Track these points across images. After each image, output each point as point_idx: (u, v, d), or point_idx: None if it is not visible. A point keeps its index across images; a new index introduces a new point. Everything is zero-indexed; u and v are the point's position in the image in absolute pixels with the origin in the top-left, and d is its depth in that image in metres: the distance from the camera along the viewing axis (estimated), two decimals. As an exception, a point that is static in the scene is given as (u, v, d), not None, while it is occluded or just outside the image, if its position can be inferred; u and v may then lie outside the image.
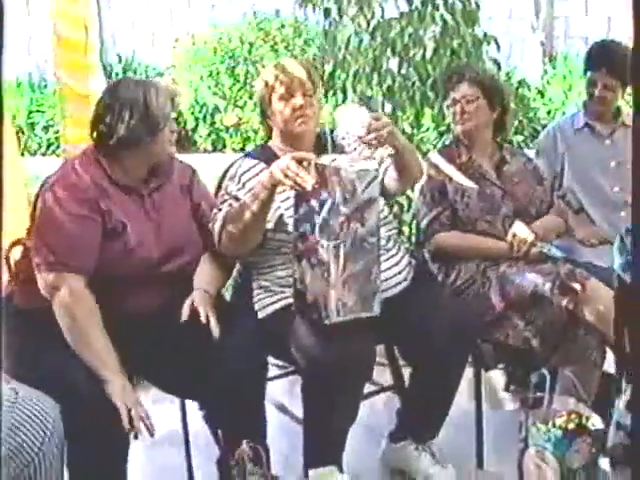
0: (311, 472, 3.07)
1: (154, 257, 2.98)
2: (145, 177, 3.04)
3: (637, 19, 1.94)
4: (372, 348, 3.10)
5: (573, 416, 2.89)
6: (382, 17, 4.50)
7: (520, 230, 3.51)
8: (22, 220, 3.44)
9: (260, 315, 3.19)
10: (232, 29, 10.77)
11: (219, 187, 3.32)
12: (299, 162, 2.84)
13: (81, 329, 2.82)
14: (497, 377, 4.12)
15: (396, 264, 3.25)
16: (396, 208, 4.41)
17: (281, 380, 3.63)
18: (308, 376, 3.03)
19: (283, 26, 10.46)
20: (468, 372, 3.36)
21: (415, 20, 4.44)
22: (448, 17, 4.44)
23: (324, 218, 2.81)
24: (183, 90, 9.19)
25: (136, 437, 2.78)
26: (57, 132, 9.63)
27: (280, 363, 3.41)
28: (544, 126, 8.03)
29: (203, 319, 2.93)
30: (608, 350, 3.37)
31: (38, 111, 11.26)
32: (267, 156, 3.20)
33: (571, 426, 2.85)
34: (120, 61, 11.96)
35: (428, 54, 4.42)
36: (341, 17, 4.50)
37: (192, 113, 10.62)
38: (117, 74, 11.46)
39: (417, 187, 3.70)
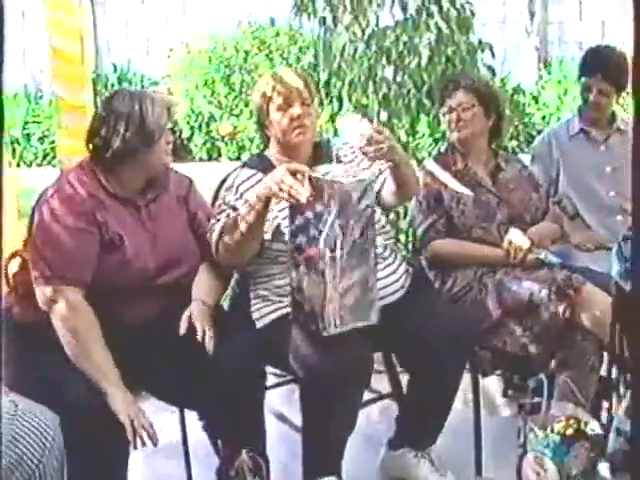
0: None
1: (151, 268, 2.98)
2: (141, 188, 3.04)
3: (638, 25, 1.95)
4: (370, 356, 3.10)
5: (571, 421, 2.89)
6: (377, 25, 4.50)
7: (516, 237, 3.52)
8: (12, 231, 3.43)
9: (258, 324, 3.20)
10: (227, 38, 10.77)
11: (216, 197, 3.33)
12: (293, 174, 2.84)
13: (80, 341, 2.82)
14: (495, 383, 4.12)
15: (393, 272, 3.26)
16: (392, 216, 4.41)
17: (279, 389, 3.63)
18: (306, 385, 3.03)
19: (278, 34, 10.47)
20: (466, 378, 3.37)
21: (410, 28, 4.44)
22: (443, 25, 4.44)
23: (320, 230, 2.81)
24: (178, 99, 9.19)
25: (135, 447, 2.78)
26: (53, 143, 9.64)
27: (278, 372, 3.41)
28: (539, 131, 8.06)
29: (199, 337, 2.94)
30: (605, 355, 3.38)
31: (34, 122, 11.26)
32: (264, 166, 3.21)
33: (569, 431, 2.86)
34: (115, 70, 11.96)
35: (423, 62, 4.42)
36: (336, 25, 4.51)
37: (187, 122, 10.62)
38: (112, 84, 11.47)
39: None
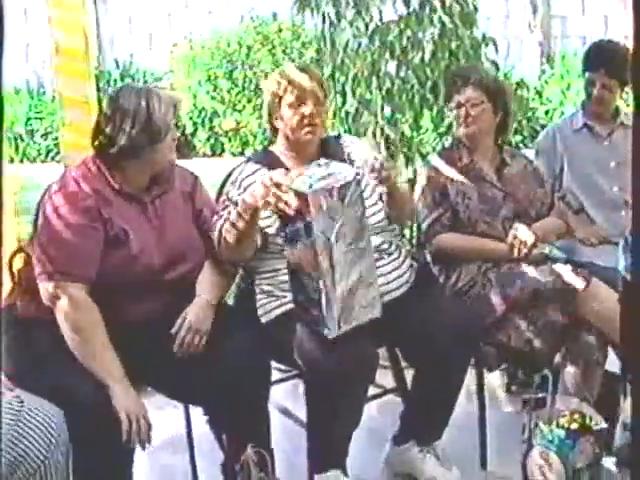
0: (316, 477, 3.09)
1: (156, 264, 2.98)
2: (147, 185, 3.04)
3: (637, 19, 1.94)
4: (374, 351, 3.10)
5: (576, 416, 2.90)
6: (380, 20, 4.49)
7: (521, 232, 3.51)
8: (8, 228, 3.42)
9: (263, 320, 3.20)
10: (230, 33, 10.77)
11: (220, 192, 3.33)
12: (277, 185, 2.81)
13: (84, 338, 2.82)
14: (499, 378, 4.12)
15: (398, 267, 3.25)
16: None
17: (284, 384, 3.63)
18: (311, 381, 3.04)
19: (281, 30, 10.46)
20: (470, 373, 3.37)
21: (413, 23, 4.44)
22: (446, 19, 4.43)
23: (311, 239, 2.79)
24: (182, 95, 9.19)
25: (129, 444, 2.79)
26: (56, 139, 9.63)
27: (283, 367, 3.41)
28: (542, 126, 8.06)
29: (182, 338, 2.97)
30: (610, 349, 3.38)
31: (37, 118, 11.26)
32: (270, 161, 3.21)
33: (574, 426, 2.87)
34: (118, 66, 11.96)
35: (427, 57, 4.41)
36: (339, 21, 4.50)
37: (190, 118, 10.62)
38: (115, 80, 11.47)
39: (418, 189, 3.71)
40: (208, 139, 10.80)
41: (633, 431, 2.15)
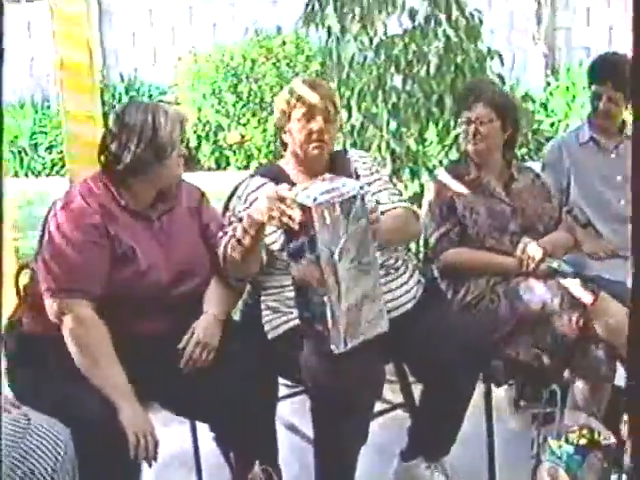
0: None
1: (164, 280, 2.97)
2: (153, 201, 3.04)
3: (637, 26, 1.92)
4: (381, 367, 3.09)
5: (585, 431, 2.88)
6: (385, 34, 4.50)
7: (529, 246, 3.50)
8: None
9: (270, 336, 3.19)
10: (234, 47, 10.80)
11: (226, 207, 3.32)
12: (281, 200, 2.79)
13: (91, 354, 2.81)
14: (507, 393, 4.10)
15: (405, 282, 3.25)
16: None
17: (291, 400, 3.62)
18: (317, 398, 3.02)
19: (285, 43, 10.49)
20: (478, 388, 3.35)
21: (418, 37, 4.44)
22: (451, 33, 4.44)
23: (315, 254, 2.77)
24: (188, 111, 9.22)
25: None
26: (61, 152, 9.68)
27: (289, 383, 3.40)
28: (547, 139, 8.06)
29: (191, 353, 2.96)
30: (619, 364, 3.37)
31: (41, 132, 11.29)
32: (276, 175, 3.20)
33: (583, 441, 2.85)
34: (122, 80, 11.99)
35: (432, 70, 4.42)
36: (344, 35, 4.50)
37: (195, 131, 10.64)
38: (120, 94, 11.50)
39: (425, 203, 3.70)
40: (213, 153, 10.82)
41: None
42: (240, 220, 3.05)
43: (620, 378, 3.35)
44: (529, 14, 11.40)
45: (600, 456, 2.83)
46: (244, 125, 10.51)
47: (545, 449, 2.89)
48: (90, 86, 4.70)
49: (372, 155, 4.20)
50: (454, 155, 4.48)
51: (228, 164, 10.85)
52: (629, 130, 4.14)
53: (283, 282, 3.16)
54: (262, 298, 3.24)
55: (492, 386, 3.49)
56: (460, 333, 3.19)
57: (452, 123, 4.40)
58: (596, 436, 2.86)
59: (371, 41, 4.47)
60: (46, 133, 11.23)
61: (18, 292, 3.18)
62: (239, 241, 2.96)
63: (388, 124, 4.45)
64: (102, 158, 2.98)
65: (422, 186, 4.36)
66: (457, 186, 3.66)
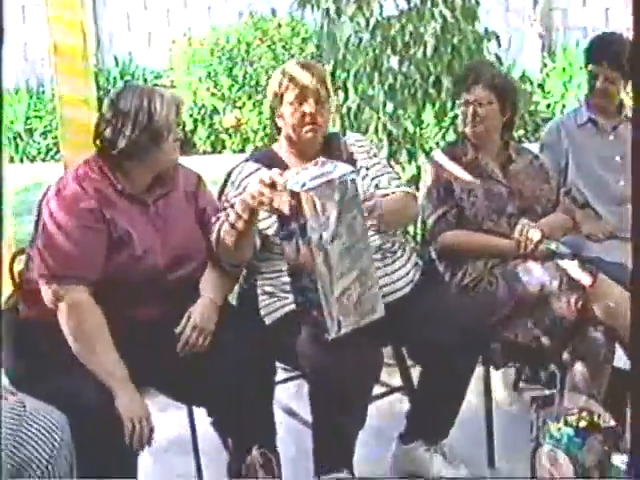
0: (323, 477, 3.07)
1: (160, 265, 2.95)
2: (149, 185, 3.02)
3: (637, 16, 1.90)
4: (378, 351, 3.08)
5: (584, 413, 2.88)
6: (381, 15, 4.47)
7: (527, 228, 3.49)
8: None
9: (266, 321, 3.18)
10: (229, 29, 10.75)
11: (221, 191, 3.29)
12: (272, 185, 2.76)
13: (87, 340, 2.80)
14: (506, 375, 4.09)
15: (402, 266, 3.24)
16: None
17: (288, 384, 3.61)
18: (315, 383, 3.01)
19: (280, 25, 10.44)
20: (477, 371, 3.35)
21: (415, 18, 4.41)
22: (448, 14, 4.41)
23: (306, 239, 2.74)
24: (182, 93, 9.18)
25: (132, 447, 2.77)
26: (56, 137, 9.62)
27: (286, 366, 3.38)
28: (544, 120, 8.04)
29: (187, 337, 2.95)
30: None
31: (36, 117, 11.24)
32: (270, 159, 3.18)
33: (583, 424, 2.85)
34: (117, 64, 11.93)
35: (429, 51, 4.38)
36: (340, 16, 4.47)
37: (190, 115, 10.60)
38: (114, 78, 11.45)
39: (422, 186, 3.68)
40: (208, 136, 10.78)
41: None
42: (233, 206, 3.02)
43: (619, 360, 3.34)
44: (525, -5, 11.36)
45: (600, 438, 2.83)
46: (240, 108, 10.48)
47: (544, 432, 2.88)
48: (84, 70, 4.67)
49: (369, 138, 4.18)
50: (451, 137, 4.47)
51: (224, 147, 10.81)
52: (627, 110, 4.12)
53: (279, 267, 3.14)
54: (258, 283, 3.23)
55: (491, 369, 3.48)
56: (458, 316, 3.19)
57: (449, 105, 4.39)
58: (596, 418, 2.86)
59: (367, 22, 4.43)
60: (41, 118, 11.18)
61: (13, 278, 3.16)
62: (232, 226, 2.94)
63: (384, 106, 4.42)
64: (98, 142, 2.96)
65: (419, 168, 4.34)
66: (454, 168, 3.64)
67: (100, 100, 3.35)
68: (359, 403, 3.05)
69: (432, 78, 4.42)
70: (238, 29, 10.71)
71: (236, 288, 3.32)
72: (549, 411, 2.93)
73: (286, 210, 2.73)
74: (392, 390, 3.61)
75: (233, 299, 3.34)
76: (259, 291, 3.22)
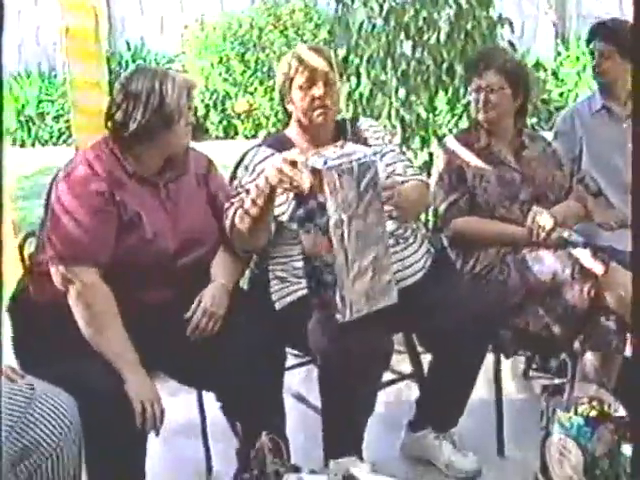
0: (332, 462, 3.06)
1: (171, 248, 2.95)
2: (161, 168, 3.01)
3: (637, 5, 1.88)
4: (388, 338, 3.07)
5: (595, 403, 2.87)
6: (395, 1, 4.44)
7: (540, 216, 3.47)
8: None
9: (277, 306, 3.17)
10: (242, 15, 10.74)
11: (233, 176, 3.29)
12: (292, 164, 2.77)
13: (97, 323, 2.80)
14: (516, 364, 4.09)
15: (414, 252, 3.23)
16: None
17: (298, 369, 3.61)
18: (324, 368, 3.01)
19: (293, 11, 10.43)
20: (487, 359, 3.34)
21: (428, 3, 4.38)
22: (462, 0, 4.38)
23: (324, 218, 2.75)
24: (194, 78, 9.16)
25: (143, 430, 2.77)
26: (68, 121, 9.61)
27: (297, 352, 3.38)
28: (557, 108, 8.01)
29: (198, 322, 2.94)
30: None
31: (48, 100, 11.24)
32: (283, 144, 3.16)
33: (593, 413, 2.83)
34: (129, 48, 11.93)
35: (442, 37, 4.37)
36: (353, 2, 4.45)
37: (202, 100, 10.59)
38: (127, 62, 11.44)
39: (434, 172, 3.67)
40: (221, 121, 10.78)
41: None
42: (247, 191, 3.02)
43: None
44: (539, -17, 11.31)
45: (611, 428, 2.81)
46: (252, 94, 10.47)
47: (554, 421, 2.87)
48: (96, 54, 4.67)
49: (382, 124, 4.16)
50: (464, 123, 4.45)
51: (236, 133, 10.81)
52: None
53: (291, 252, 3.14)
54: (270, 268, 3.22)
55: (501, 357, 3.47)
56: (469, 303, 3.18)
57: (462, 91, 4.36)
58: (606, 408, 2.84)
59: (381, 8, 4.41)
60: (53, 102, 11.19)
61: (23, 261, 3.16)
62: (247, 212, 2.93)
63: (397, 92, 4.40)
64: (109, 124, 2.95)
65: (431, 155, 4.32)
66: (467, 154, 3.62)
67: (112, 84, 3.34)
68: (369, 389, 3.06)
69: (445, 64, 4.40)
70: (251, 14, 10.70)
71: (247, 273, 3.31)
72: (559, 400, 2.92)
73: (306, 186, 2.73)
74: (402, 377, 3.60)
75: (244, 284, 3.33)
76: (271, 276, 3.21)
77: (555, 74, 9.80)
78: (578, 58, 10.28)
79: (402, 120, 4.43)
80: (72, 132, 5.18)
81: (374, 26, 4.45)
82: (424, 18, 4.39)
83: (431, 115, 4.55)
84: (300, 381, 3.66)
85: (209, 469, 3.45)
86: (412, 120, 4.43)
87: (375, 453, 3.23)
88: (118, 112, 2.91)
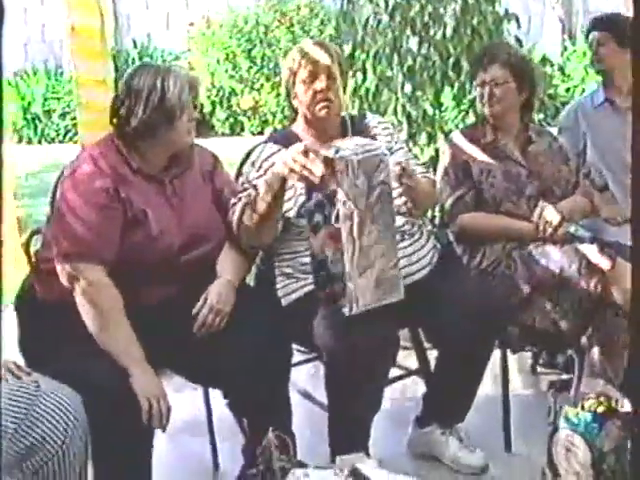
0: (338, 459, 3.06)
1: (177, 244, 2.94)
2: (166, 164, 3.00)
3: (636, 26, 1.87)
4: (394, 334, 3.07)
5: (602, 399, 2.86)
6: (401, -4, 4.44)
7: (546, 211, 3.47)
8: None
9: (283, 302, 3.17)
10: (248, 11, 10.74)
11: (239, 172, 3.29)
12: (305, 153, 2.78)
13: (103, 320, 2.79)
14: (524, 359, 4.08)
15: (421, 248, 3.22)
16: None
17: (305, 366, 3.60)
18: (331, 364, 3.00)
19: (299, 7, 10.43)
20: (494, 354, 3.33)
21: (434, -1, 4.38)
22: (468, -5, 4.38)
23: (335, 209, 2.75)
24: (200, 75, 9.16)
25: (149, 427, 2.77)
26: (74, 119, 9.63)
27: (303, 349, 3.38)
28: (564, 103, 7.99)
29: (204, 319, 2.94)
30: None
31: (54, 98, 11.26)
32: (289, 140, 3.15)
33: (600, 409, 2.83)
34: (135, 46, 11.94)
35: (448, 33, 4.37)
36: (358, -2, 4.46)
37: (209, 97, 10.60)
38: (133, 59, 11.46)
39: (440, 167, 3.66)
40: (227, 118, 10.79)
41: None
42: (255, 187, 3.02)
43: None
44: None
45: (618, 424, 2.81)
46: (258, 90, 10.47)
47: (561, 417, 2.87)
48: (102, 52, 4.68)
49: (388, 119, 4.16)
50: (471, 119, 4.44)
51: (242, 130, 10.82)
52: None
53: (297, 248, 3.14)
54: (276, 264, 3.22)
55: (508, 352, 3.46)
56: (476, 299, 3.17)
57: (468, 87, 4.36)
58: (613, 403, 2.84)
59: (387, 3, 4.41)
60: (59, 99, 11.21)
61: (29, 258, 3.16)
62: (255, 209, 2.93)
63: (403, 87, 4.41)
64: (114, 121, 2.96)
65: (438, 150, 4.31)
66: (473, 149, 3.61)
67: (118, 82, 3.34)
68: (375, 385, 3.05)
69: (451, 60, 4.40)
70: (257, 11, 10.71)
71: (253, 269, 3.31)
72: (566, 396, 2.92)
73: (318, 175, 2.73)
74: (409, 373, 3.60)
75: (250, 280, 3.33)
76: (277, 272, 3.21)
77: (562, 69, 9.78)
78: (585, 53, 10.24)
79: (408, 116, 4.43)
80: (78, 129, 5.19)
81: (380, 22, 4.45)
82: (430, 13, 4.39)
83: (437, 111, 4.55)
84: (306, 377, 3.66)
85: (215, 466, 3.46)
86: (418, 116, 4.43)
87: (382, 449, 3.23)
88: (121, 108, 2.91)
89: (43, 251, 3.01)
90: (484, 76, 3.61)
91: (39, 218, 4.52)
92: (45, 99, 11.27)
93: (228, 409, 3.09)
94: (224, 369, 2.90)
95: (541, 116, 7.73)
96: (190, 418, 3.56)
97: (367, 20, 4.43)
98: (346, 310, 2.83)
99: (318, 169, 2.73)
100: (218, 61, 10.60)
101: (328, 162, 2.73)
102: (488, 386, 3.47)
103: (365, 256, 2.81)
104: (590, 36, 4.14)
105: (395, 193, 2.97)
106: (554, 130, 4.22)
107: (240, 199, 3.05)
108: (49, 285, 2.92)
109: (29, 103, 11.19)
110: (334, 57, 3.19)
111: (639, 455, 1.87)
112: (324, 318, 2.97)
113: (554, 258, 3.35)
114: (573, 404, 2.84)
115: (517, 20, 4.53)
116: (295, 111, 3.29)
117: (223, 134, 10.70)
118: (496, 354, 3.38)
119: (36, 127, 11.20)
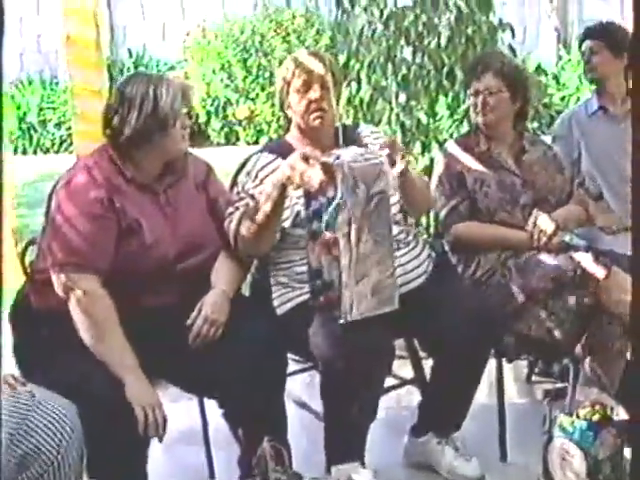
0: (334, 468, 3.06)
1: (171, 254, 2.94)
2: (159, 174, 3.01)
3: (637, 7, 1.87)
4: (389, 343, 3.07)
5: (597, 407, 2.87)
6: (395, 6, 4.46)
7: (541, 220, 3.47)
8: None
9: (279, 311, 3.16)
10: (243, 21, 10.75)
11: (234, 181, 3.28)
12: (305, 159, 2.80)
13: (98, 330, 2.79)
14: (519, 368, 4.08)
15: (416, 257, 3.22)
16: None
17: (300, 375, 3.60)
18: (326, 374, 3.00)
19: (294, 17, 10.44)
20: (489, 364, 3.33)
21: (429, 8, 4.39)
22: (462, 4, 4.39)
23: (332, 216, 2.77)
24: (195, 84, 9.17)
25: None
26: (69, 129, 9.63)
27: (299, 358, 3.38)
28: (558, 112, 8.01)
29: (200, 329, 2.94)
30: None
31: (49, 108, 11.25)
32: (285, 150, 3.16)
33: (596, 417, 2.84)
34: (131, 55, 11.94)
35: (443, 42, 4.37)
36: (353, 7, 4.46)
37: (204, 107, 10.60)
38: (128, 69, 11.46)
39: (434, 177, 3.67)
40: (222, 128, 10.78)
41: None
42: (252, 197, 3.02)
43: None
44: (541, -13, 11.32)
45: (613, 432, 2.82)
46: (253, 100, 10.48)
47: (557, 425, 2.87)
48: (97, 62, 4.68)
49: (382, 129, 4.17)
50: (465, 129, 4.44)
51: (238, 139, 10.82)
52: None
53: (293, 257, 3.14)
54: (272, 273, 3.22)
55: (503, 361, 3.46)
56: (471, 308, 3.17)
57: (463, 96, 4.36)
58: (609, 412, 2.84)
59: (381, 13, 4.42)
60: (55, 109, 11.20)
61: (25, 269, 3.16)
62: (253, 220, 2.94)
63: (398, 97, 4.41)
64: (107, 131, 2.96)
65: (432, 160, 4.32)
66: (467, 159, 3.62)
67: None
68: (371, 394, 3.05)
69: (446, 69, 4.41)
70: (252, 20, 10.72)
71: (248, 278, 3.31)
72: (562, 404, 2.92)
73: (317, 181, 2.74)
74: (404, 382, 3.59)
75: (245, 289, 3.33)
76: (272, 281, 3.20)
77: (556, 78, 9.79)
78: (579, 62, 10.26)
79: (402, 125, 4.44)
80: (73, 140, 5.19)
81: (374, 31, 4.46)
82: (424, 23, 4.40)
83: (431, 120, 4.55)
84: (302, 387, 3.65)
85: (211, 476, 3.44)
86: (412, 125, 4.44)
87: (377, 459, 3.22)
88: (114, 117, 2.91)
89: (38, 261, 3.01)
90: (477, 85, 3.62)
91: (35, 228, 4.51)
92: (40, 109, 11.26)
93: (224, 419, 3.09)
94: (219, 379, 2.90)
95: (536, 125, 7.76)
96: (186, 428, 3.55)
97: (362, 30, 4.44)
98: (342, 318, 2.83)
99: (317, 175, 2.74)
100: (214, 71, 10.60)
101: (327, 169, 2.75)
102: (484, 395, 3.47)
103: (362, 264, 2.82)
104: (583, 45, 4.14)
105: (392, 201, 2.99)
106: (548, 139, 4.23)
107: (237, 208, 3.06)
108: (44, 295, 2.92)
109: (24, 113, 11.18)
110: (328, 67, 3.20)
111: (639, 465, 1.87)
112: (320, 327, 2.97)
113: (549, 267, 3.35)
114: (568, 413, 2.85)
115: (511, 29, 4.54)
116: (289, 121, 3.30)
117: (218, 144, 10.70)
118: (491, 363, 3.37)
119: (31, 137, 11.19)
